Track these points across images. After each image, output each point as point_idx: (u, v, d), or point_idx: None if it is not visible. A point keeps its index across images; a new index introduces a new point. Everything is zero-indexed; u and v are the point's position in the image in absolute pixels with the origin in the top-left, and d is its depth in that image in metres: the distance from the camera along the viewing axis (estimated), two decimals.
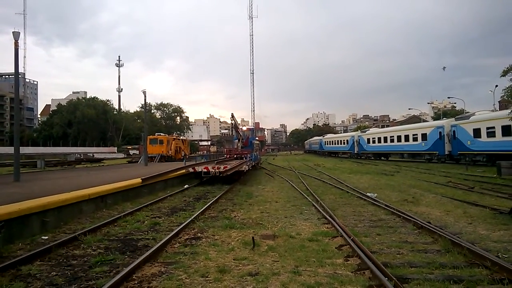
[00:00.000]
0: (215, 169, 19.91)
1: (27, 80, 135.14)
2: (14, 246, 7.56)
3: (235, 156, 30.98)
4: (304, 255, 6.65)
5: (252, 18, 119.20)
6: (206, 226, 9.27)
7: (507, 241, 7.36)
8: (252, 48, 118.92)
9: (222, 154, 66.45)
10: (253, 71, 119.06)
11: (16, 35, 15.14)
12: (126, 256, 6.81)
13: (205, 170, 20.20)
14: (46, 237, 8.27)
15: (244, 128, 36.91)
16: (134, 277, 5.57)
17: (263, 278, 5.45)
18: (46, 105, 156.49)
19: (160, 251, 6.89)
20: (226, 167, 20.43)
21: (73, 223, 9.80)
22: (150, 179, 16.28)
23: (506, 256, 6.39)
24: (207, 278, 5.54)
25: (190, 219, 9.72)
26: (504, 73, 21.06)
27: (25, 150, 59.11)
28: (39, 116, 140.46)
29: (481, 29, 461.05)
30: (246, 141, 35.06)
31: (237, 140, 34.14)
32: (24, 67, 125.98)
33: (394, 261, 6.23)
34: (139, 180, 15.48)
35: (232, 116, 34.84)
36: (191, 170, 20.97)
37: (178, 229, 8.50)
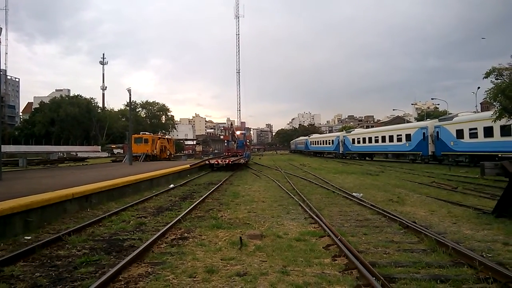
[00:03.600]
0: (222, 162, 30.50)
1: (8, 77, 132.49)
2: None
3: (232, 154, 39.74)
4: (291, 255, 6.65)
5: (238, 18, 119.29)
6: (192, 226, 9.21)
7: (491, 241, 7.48)
8: (238, 47, 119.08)
9: (208, 153, 68.14)
10: (239, 70, 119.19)
11: None
12: (111, 257, 6.71)
13: (216, 162, 30.89)
14: (29, 237, 8.11)
15: (238, 133, 45.10)
16: (120, 278, 5.49)
17: (251, 278, 5.43)
18: (28, 102, 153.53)
19: (146, 251, 6.81)
20: (230, 160, 31.04)
21: (57, 223, 9.63)
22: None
23: (490, 255, 6.49)
24: (195, 279, 5.49)
25: (177, 219, 9.65)
26: (487, 75, 21.38)
27: (6, 148, 57.96)
28: (20, 114, 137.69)
29: (463, 33, 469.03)
30: (239, 143, 43.99)
31: (233, 142, 43.07)
32: (5, 64, 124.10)
33: (381, 261, 6.27)
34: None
35: (231, 124, 48.68)
36: (207, 162, 32.11)
37: (164, 229, 8.42)
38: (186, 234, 8.35)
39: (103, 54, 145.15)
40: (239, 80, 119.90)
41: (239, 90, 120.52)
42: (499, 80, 21.03)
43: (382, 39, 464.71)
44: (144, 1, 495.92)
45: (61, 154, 56.28)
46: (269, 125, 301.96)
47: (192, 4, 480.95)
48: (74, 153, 64.15)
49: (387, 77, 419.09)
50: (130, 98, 34.34)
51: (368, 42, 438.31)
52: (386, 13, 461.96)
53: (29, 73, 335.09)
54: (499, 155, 25.67)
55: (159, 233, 8.00)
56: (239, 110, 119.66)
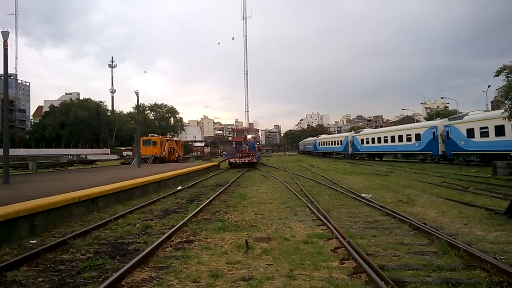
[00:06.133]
0: (239, 161, 38.22)
1: (19, 81, 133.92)
2: (1, 251, 7.34)
3: (245, 155, 44.89)
4: (299, 258, 6.51)
5: (245, 19, 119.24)
6: (199, 228, 9.11)
7: (504, 242, 7.27)
8: (246, 49, 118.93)
9: (217, 155, 70.06)
10: (247, 72, 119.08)
11: (4, 35, 14.88)
12: (116, 261, 6.61)
13: (234, 161, 39.04)
14: (35, 241, 8.06)
15: (249, 137, 51.04)
16: (123, 283, 5.38)
17: (257, 283, 5.29)
18: (39, 106, 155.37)
19: (151, 255, 6.71)
20: (246, 159, 38.43)
21: (62, 226, 9.59)
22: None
23: (503, 257, 6.29)
24: (199, 284, 5.37)
25: (183, 221, 9.54)
26: (498, 73, 21.08)
27: (17, 152, 58.57)
28: (31, 117, 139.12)
29: (472, 31, 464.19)
30: (251, 146, 50.63)
31: (245, 145, 49.45)
32: (16, 68, 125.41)
33: (391, 264, 6.11)
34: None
35: (244, 130, 59.07)
36: (228, 161, 41.34)
37: (170, 232, 8.31)
38: (191, 237, 8.24)
39: (112, 57, 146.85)
40: (247, 82, 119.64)
41: (247, 92, 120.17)
42: (511, 78, 20.71)
43: (389, 38, 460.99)
44: (151, 4, 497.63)
45: (71, 157, 56.63)
46: (277, 126, 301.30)
47: (198, 6, 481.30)
48: (84, 156, 64.53)
49: (396, 76, 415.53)
50: (138, 100, 34.49)
51: (376, 42, 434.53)
52: (393, 12, 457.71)
53: (39, 77, 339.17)
54: (511, 154, 25.29)
55: (165, 236, 7.89)
56: (247, 111, 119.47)
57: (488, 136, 27.89)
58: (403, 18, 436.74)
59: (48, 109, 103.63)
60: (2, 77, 16.37)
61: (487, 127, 28.08)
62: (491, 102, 64.04)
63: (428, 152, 36.73)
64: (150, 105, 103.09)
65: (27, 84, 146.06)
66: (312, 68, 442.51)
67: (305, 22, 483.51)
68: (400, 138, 41.70)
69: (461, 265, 5.93)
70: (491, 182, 17.94)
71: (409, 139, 39.97)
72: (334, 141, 66.36)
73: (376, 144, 47.31)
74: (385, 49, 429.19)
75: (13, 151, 50.71)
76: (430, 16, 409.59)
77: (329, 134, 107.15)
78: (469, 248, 6.45)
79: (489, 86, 55.53)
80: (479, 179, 19.52)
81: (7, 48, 15.30)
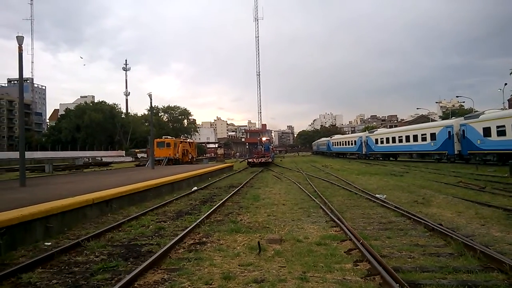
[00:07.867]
0: (257, 160, 42.48)
1: (35, 85, 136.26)
2: (17, 253, 7.44)
3: (261, 155, 48.77)
4: (312, 260, 6.44)
5: (257, 20, 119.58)
6: (211, 230, 9.09)
7: None
8: (258, 49, 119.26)
9: (230, 156, 71.92)
10: (259, 72, 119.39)
11: (19, 40, 15.13)
12: (129, 263, 6.64)
13: (252, 161, 43.11)
14: (49, 243, 8.14)
15: (264, 139, 56.30)
16: (136, 285, 5.40)
17: (269, 285, 5.25)
18: (55, 109, 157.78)
19: (163, 257, 6.71)
20: (262, 159, 43.06)
21: (77, 228, 9.67)
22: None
23: None
24: (211, 286, 5.35)
25: (196, 223, 9.55)
26: None
27: (34, 154, 59.59)
28: (47, 120, 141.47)
29: (484, 29, 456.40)
30: (266, 147, 55.31)
31: (261, 147, 53.77)
32: (32, 72, 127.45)
33: (405, 266, 6.00)
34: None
35: (259, 134, 62.73)
36: (247, 160, 48.49)
37: (182, 233, 8.32)
38: (204, 239, 8.24)
39: (126, 60, 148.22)
40: (259, 83, 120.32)
41: (260, 93, 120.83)
42: None
43: (400, 36, 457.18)
44: (163, 7, 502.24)
45: (87, 159, 57.45)
46: (290, 127, 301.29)
47: (209, 9, 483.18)
48: (99, 158, 65.41)
49: (409, 75, 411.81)
50: (151, 103, 34.74)
51: (386, 39, 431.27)
52: (402, 9, 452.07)
53: (55, 81, 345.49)
54: None
55: (177, 238, 7.90)
56: (260, 112, 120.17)
57: (505, 135, 27.33)
58: (413, 15, 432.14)
59: (63, 112, 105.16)
60: (18, 81, 16.59)
61: (504, 126, 27.52)
62: (508, 100, 63.04)
63: (443, 152, 36.19)
64: (164, 107, 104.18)
65: (43, 88, 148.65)
66: (325, 67, 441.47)
67: (314, 21, 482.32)
68: (415, 137, 41.15)
69: (478, 267, 5.80)
70: (509, 182, 17.56)
71: (424, 139, 39.41)
72: (348, 141, 65.87)
73: (391, 144, 46.81)
74: (396, 46, 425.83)
75: (30, 154, 51.69)
76: (440, 11, 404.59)
77: (342, 134, 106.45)
78: (487, 250, 6.31)
79: (505, 84, 54.64)
80: (496, 179, 19.15)
81: (22, 53, 15.55)
